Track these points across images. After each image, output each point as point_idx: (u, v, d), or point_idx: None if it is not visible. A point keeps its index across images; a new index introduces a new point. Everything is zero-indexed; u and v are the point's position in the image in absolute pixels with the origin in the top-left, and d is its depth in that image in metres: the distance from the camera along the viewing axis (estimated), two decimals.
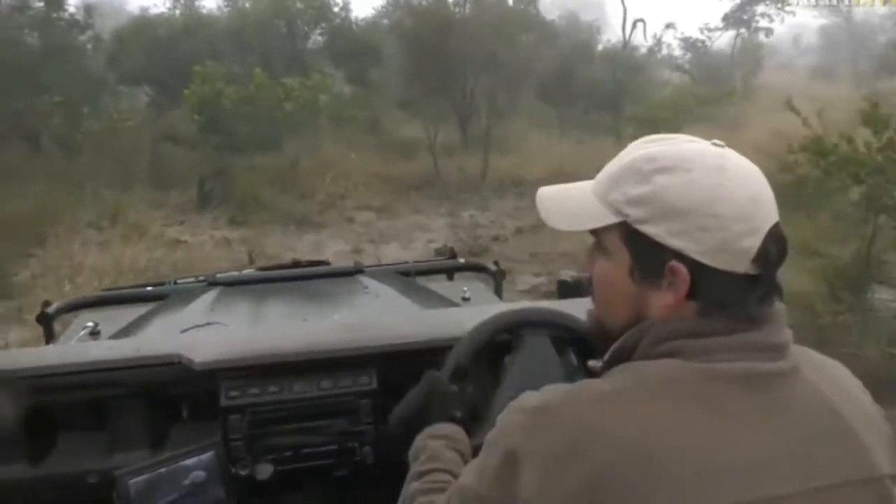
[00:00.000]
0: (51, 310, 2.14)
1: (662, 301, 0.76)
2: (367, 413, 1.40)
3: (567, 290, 1.79)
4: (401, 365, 1.42)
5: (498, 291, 2.51)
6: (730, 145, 0.80)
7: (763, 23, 18.50)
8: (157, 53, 12.24)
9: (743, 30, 18.94)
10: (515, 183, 10.12)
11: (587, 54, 13.96)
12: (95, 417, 1.36)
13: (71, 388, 1.34)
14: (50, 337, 2.11)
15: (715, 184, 0.73)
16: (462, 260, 2.77)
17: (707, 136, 0.83)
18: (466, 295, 2.29)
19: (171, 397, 1.40)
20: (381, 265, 2.74)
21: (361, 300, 2.10)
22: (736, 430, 0.69)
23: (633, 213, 0.76)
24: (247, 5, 13.94)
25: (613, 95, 12.91)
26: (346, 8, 13.26)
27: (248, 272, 2.42)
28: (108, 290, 2.56)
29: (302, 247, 7.65)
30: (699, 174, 0.74)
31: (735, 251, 0.73)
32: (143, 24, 13.05)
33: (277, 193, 9.51)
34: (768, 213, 0.75)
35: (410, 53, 11.00)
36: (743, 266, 0.73)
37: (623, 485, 0.67)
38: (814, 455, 0.71)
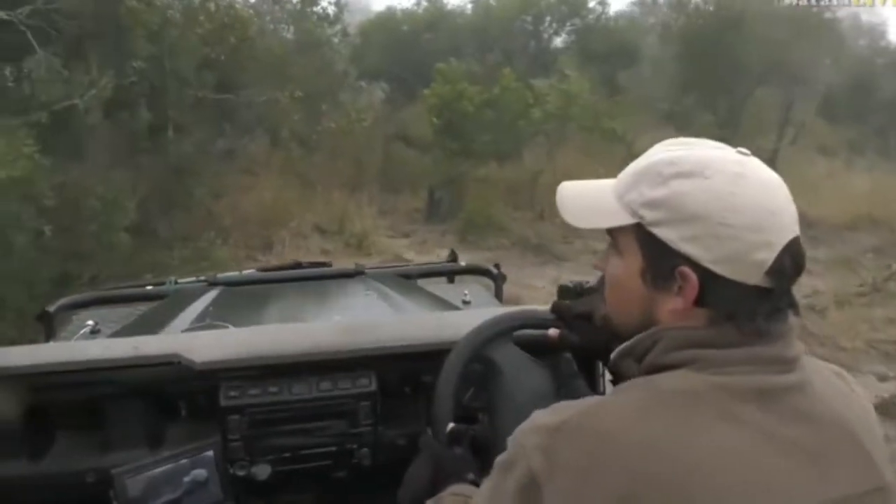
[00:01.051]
0: (51, 308, 2.15)
1: (671, 305, 0.77)
2: (365, 415, 1.41)
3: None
4: (400, 368, 1.45)
5: (498, 295, 2.51)
6: None
7: None
8: (397, 49, 11.67)
9: None
10: (807, 224, 8.18)
11: (886, 63, 10.92)
12: (94, 416, 1.37)
13: (70, 387, 1.35)
14: (50, 335, 2.11)
15: (731, 192, 0.74)
16: (463, 263, 2.76)
17: None
18: (467, 298, 2.33)
19: (169, 397, 1.41)
20: (383, 266, 2.80)
21: (362, 302, 2.12)
22: (754, 444, 0.71)
23: (649, 215, 0.77)
24: (492, 1, 12.73)
25: None
26: (603, 2, 11.56)
27: (249, 273, 2.43)
28: (110, 288, 2.59)
29: (543, 284, 6.20)
30: (717, 181, 0.75)
31: (747, 262, 0.74)
32: (387, 20, 12.49)
33: (512, 210, 8.28)
34: (787, 226, 0.75)
35: (681, 57, 9.01)
36: (755, 278, 0.74)
37: (650, 499, 0.67)
38: (828, 467, 0.73)
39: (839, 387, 0.82)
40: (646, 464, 0.69)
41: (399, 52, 12.57)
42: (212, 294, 2.11)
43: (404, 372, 1.47)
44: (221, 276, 2.34)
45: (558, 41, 13.50)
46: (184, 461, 1.31)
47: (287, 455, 1.39)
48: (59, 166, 5.61)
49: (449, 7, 14.24)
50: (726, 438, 0.70)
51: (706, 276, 0.75)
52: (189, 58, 6.87)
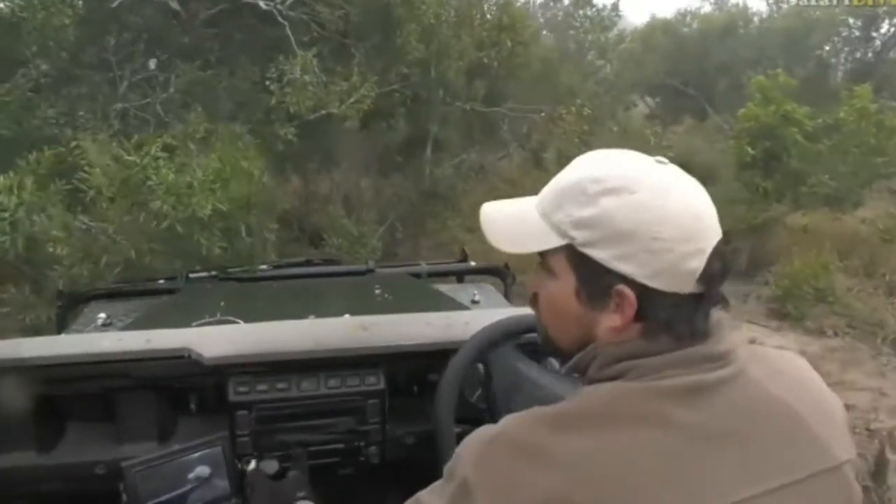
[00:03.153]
0: (64, 300, 2.29)
1: (609, 323, 0.81)
2: (373, 413, 1.47)
3: None
4: (408, 366, 1.54)
5: (508, 295, 2.63)
6: None
7: None
8: (678, 57, 9.51)
9: None
10: None
11: None
12: (104, 408, 1.47)
13: (81, 379, 1.45)
14: (62, 327, 2.24)
15: (660, 205, 0.77)
16: (473, 263, 2.83)
17: None
18: (476, 298, 2.41)
19: (179, 390, 1.50)
20: (393, 265, 2.88)
21: (371, 300, 2.18)
22: (685, 443, 0.74)
23: (579, 236, 0.80)
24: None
25: None
26: None
27: (261, 268, 2.52)
28: (121, 282, 2.70)
29: None
30: (644, 195, 0.77)
31: (681, 273, 0.77)
32: (673, 23, 10.33)
33: (846, 278, 6.69)
34: (711, 231, 0.79)
35: None
36: (689, 286, 0.78)
37: None
38: (769, 455, 0.76)
39: (784, 371, 0.84)
40: (569, 473, 0.73)
41: (680, 61, 10.35)
42: (223, 289, 2.20)
43: (412, 370, 1.53)
44: (232, 270, 2.44)
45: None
46: (193, 455, 1.34)
47: (295, 451, 1.46)
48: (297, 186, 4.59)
49: (752, 9, 11.66)
50: (656, 441, 0.73)
51: (642, 291, 0.78)
52: (459, 63, 5.46)
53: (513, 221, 0.88)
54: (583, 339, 0.83)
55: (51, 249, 3.23)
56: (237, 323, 1.80)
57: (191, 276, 2.54)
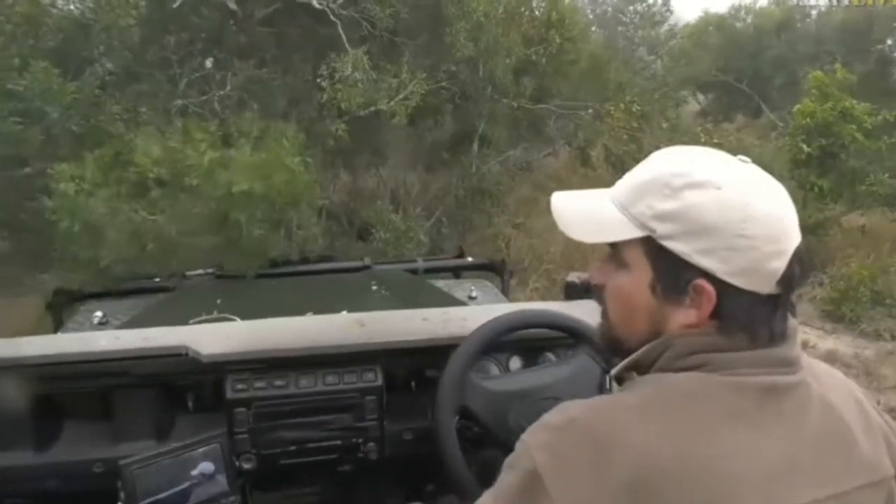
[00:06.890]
0: (61, 298, 2.27)
1: (684, 319, 0.80)
2: (371, 409, 1.47)
3: (574, 292, 1.78)
4: (405, 362, 1.55)
5: (505, 291, 2.60)
6: None
7: None
8: (732, 53, 9.31)
9: None
10: None
11: None
12: (102, 407, 1.48)
13: (78, 377, 1.46)
14: (58, 325, 2.24)
15: (747, 203, 0.77)
16: (470, 258, 2.84)
17: None
18: (473, 294, 2.40)
19: (177, 388, 1.52)
20: (390, 261, 2.89)
21: (369, 296, 2.22)
22: (759, 440, 0.75)
23: (660, 228, 0.79)
24: None
25: None
26: None
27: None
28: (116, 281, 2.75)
29: None
30: (730, 191, 0.77)
31: (763, 273, 0.77)
32: (726, 18, 10.10)
33: None
34: (793, 233, 0.79)
35: None
36: (768, 287, 0.78)
37: (653, 495, 0.71)
38: (826, 463, 0.78)
39: (833, 385, 0.85)
40: (651, 457, 0.72)
41: (733, 58, 10.13)
42: (219, 287, 2.19)
43: (410, 366, 1.55)
44: (229, 268, 2.46)
45: None
46: (190, 453, 1.34)
47: (293, 448, 1.43)
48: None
49: (810, 3, 11.28)
50: (734, 434, 0.74)
51: (721, 287, 0.77)
52: (508, 60, 5.47)
53: (587, 212, 0.86)
54: (650, 334, 0.82)
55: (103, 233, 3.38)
56: (234, 320, 1.80)
57: (187, 274, 2.55)
